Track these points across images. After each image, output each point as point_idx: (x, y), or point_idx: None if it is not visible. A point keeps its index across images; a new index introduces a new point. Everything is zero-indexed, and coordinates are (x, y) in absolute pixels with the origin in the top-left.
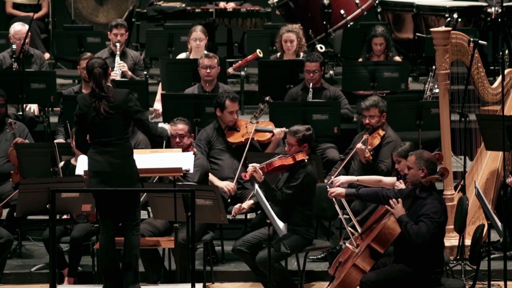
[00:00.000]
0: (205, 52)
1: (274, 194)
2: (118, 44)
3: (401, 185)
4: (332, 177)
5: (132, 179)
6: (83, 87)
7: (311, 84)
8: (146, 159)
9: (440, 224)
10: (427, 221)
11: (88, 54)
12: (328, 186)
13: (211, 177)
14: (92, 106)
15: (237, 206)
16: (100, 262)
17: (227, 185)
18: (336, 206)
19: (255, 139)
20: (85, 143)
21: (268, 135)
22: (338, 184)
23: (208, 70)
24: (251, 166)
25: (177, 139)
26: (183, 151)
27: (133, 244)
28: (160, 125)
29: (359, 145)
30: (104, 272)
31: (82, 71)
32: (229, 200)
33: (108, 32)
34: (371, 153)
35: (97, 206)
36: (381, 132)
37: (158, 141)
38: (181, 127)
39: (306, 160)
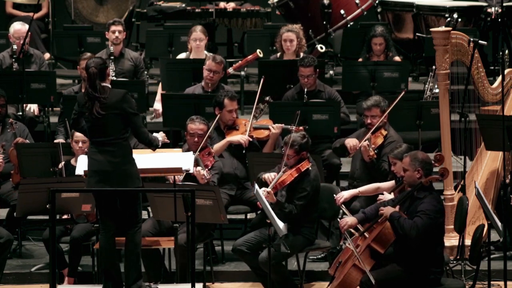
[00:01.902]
0: (214, 55)
1: (290, 211)
2: (111, 45)
3: (388, 195)
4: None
5: (131, 178)
6: (83, 87)
7: (305, 88)
8: (146, 159)
9: (437, 222)
10: (422, 216)
11: (88, 54)
12: (338, 219)
13: (223, 141)
14: (86, 105)
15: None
16: (100, 262)
17: (242, 138)
18: (348, 238)
19: (254, 136)
20: (79, 124)
21: (267, 132)
22: (342, 200)
23: (212, 74)
24: (264, 192)
25: (196, 139)
26: (200, 151)
27: (136, 242)
28: (154, 134)
29: (363, 143)
30: (104, 272)
31: (82, 71)
32: (243, 151)
33: (106, 32)
34: (375, 152)
35: (97, 205)
36: (384, 132)
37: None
38: (201, 127)
39: (310, 168)
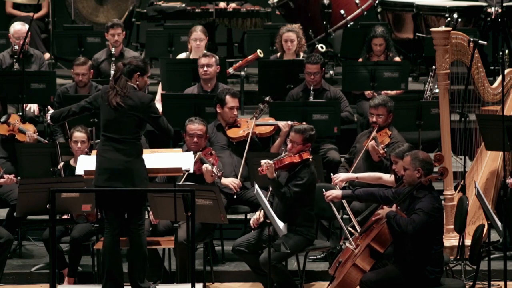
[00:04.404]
0: (204, 51)
1: (284, 192)
2: (112, 47)
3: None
4: (333, 176)
5: (140, 178)
6: (79, 91)
7: (312, 86)
8: (146, 159)
9: (434, 219)
10: (419, 212)
11: (82, 59)
12: (323, 190)
13: None
14: (106, 96)
15: (255, 217)
16: (103, 262)
17: (232, 182)
18: (334, 209)
19: (256, 132)
20: (74, 115)
21: (270, 128)
22: (337, 181)
23: (205, 68)
24: (264, 162)
25: (195, 139)
26: (200, 151)
27: (142, 242)
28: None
29: (371, 142)
30: (106, 272)
31: (75, 76)
32: (235, 196)
33: (105, 34)
34: (385, 150)
35: (102, 205)
36: (388, 132)
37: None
38: (200, 127)
39: (310, 160)
